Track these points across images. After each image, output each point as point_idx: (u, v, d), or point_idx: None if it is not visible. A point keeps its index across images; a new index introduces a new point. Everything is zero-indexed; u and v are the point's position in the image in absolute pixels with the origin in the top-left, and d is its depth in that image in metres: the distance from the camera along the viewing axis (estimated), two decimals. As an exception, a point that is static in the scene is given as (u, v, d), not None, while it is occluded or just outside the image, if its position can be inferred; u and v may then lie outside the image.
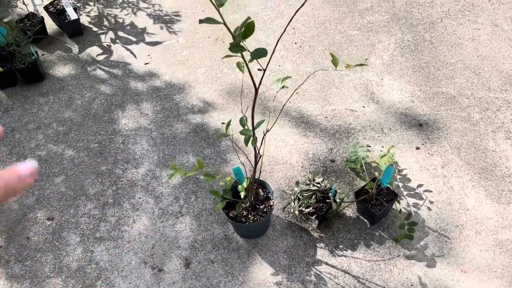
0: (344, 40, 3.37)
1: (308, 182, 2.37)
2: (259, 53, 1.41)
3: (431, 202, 2.42)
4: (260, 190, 2.37)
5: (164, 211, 2.52)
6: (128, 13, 3.82)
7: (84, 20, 3.80)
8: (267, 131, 1.94)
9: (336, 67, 1.69)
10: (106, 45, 3.56)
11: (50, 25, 3.77)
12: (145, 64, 3.38)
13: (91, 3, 3.96)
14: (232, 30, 1.38)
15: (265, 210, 2.28)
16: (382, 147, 2.71)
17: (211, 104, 3.06)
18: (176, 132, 2.91)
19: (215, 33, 3.55)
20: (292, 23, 3.53)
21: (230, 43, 1.38)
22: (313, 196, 2.31)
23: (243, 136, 1.99)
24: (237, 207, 2.15)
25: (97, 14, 3.84)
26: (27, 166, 0.63)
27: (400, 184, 2.50)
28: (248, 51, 1.39)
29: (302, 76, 3.17)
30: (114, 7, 3.91)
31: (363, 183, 2.54)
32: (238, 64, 1.73)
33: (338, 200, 2.32)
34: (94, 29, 3.72)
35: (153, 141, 2.89)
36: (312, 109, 2.97)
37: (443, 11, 3.50)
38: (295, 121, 2.91)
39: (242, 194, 2.19)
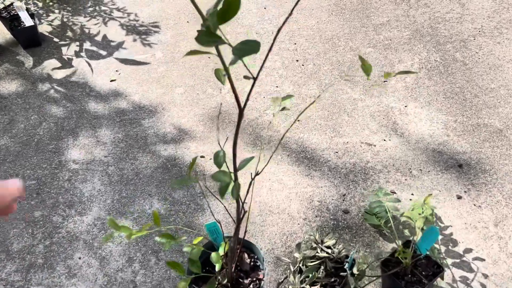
0: (356, 59, 2.74)
1: (314, 245, 1.67)
2: (246, 48, 0.76)
3: (485, 276, 1.72)
4: (245, 256, 1.67)
5: (111, 279, 1.81)
6: (98, 23, 3.20)
7: (45, 29, 3.18)
8: (257, 173, 1.26)
9: (368, 76, 1.03)
10: (67, 58, 2.93)
11: (4, 33, 3.14)
12: (111, 81, 2.73)
13: (56, 11, 3.35)
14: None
15: (251, 287, 1.57)
16: (412, 194, 2.03)
17: (188, 131, 2.40)
18: (140, 168, 2.22)
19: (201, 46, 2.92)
20: (294, 38, 2.92)
21: (198, 31, 0.73)
22: (322, 267, 1.61)
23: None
24: (209, 285, 1.45)
25: (60, 23, 3.22)
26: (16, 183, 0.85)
27: (442, 249, 1.80)
28: (229, 44, 0.74)
29: (305, 100, 2.52)
30: (83, 15, 3.29)
31: (388, 245, 1.84)
32: (216, 72, 1.09)
33: (356, 273, 1.62)
34: (56, 39, 3.09)
35: (109, 179, 2.20)
36: (318, 141, 2.30)
37: (475, 28, 2.90)
38: (295, 156, 2.24)
39: (218, 266, 1.49)
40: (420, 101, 2.46)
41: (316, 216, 1.98)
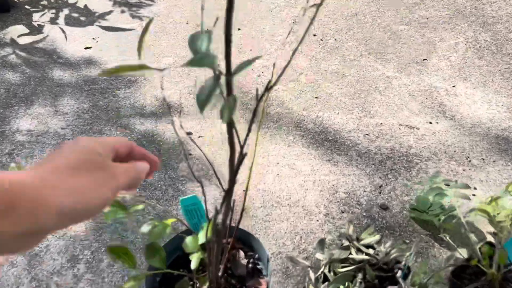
0: (387, 36, 2.24)
1: (347, 243, 1.09)
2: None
3: None
4: (241, 254, 1.09)
5: (41, 285, 1.22)
6: (81, -7, 2.74)
7: (18, -3, 2.71)
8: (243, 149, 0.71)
9: None
10: (37, 24, 2.43)
11: (-31, 0, 2.67)
12: (86, 48, 2.22)
13: (34, -19, 2.90)
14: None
15: (248, 299, 0.99)
16: (475, 188, 1.46)
17: (174, 105, 1.86)
18: (106, 143, 1.66)
19: (197, 19, 2.43)
20: (310, 13, 2.43)
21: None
22: (359, 275, 1.02)
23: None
24: (179, 289, 0.86)
25: (37, -9, 2.76)
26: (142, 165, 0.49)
27: (534, 260, 1.22)
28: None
29: (325, 76, 1.99)
30: (64, -14, 2.83)
31: (443, 252, 1.26)
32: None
33: (414, 287, 1.03)
34: (28, 7, 2.61)
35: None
36: (342, 121, 1.76)
37: (527, 12, 2.41)
38: (313, 137, 1.69)
39: (194, 262, 0.91)
40: (472, 81, 1.93)
41: (342, 212, 1.40)
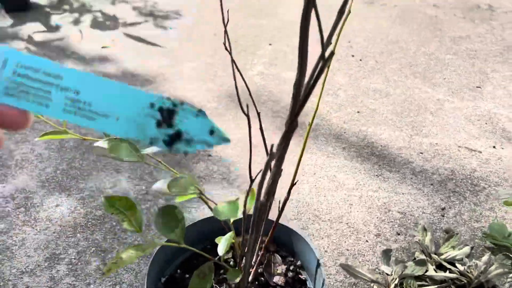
0: (433, 63, 2.03)
1: (422, 257, 0.80)
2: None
3: None
4: (277, 258, 0.80)
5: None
6: (105, 2, 2.61)
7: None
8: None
9: None
10: (56, 24, 2.28)
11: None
12: (102, 47, 2.04)
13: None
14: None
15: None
16: None
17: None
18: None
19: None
20: (347, 35, 2.25)
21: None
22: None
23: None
24: (197, 280, 0.57)
25: (61, -3, 2.64)
26: None
27: None
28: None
29: (366, 92, 1.76)
30: (90, -4, 2.72)
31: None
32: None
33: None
34: (48, 9, 2.48)
35: (59, 143, 1.39)
36: (391, 137, 1.50)
37: None
38: (356, 150, 1.43)
39: (224, 244, 0.63)
40: (536, 111, 1.69)
41: (398, 234, 1.10)
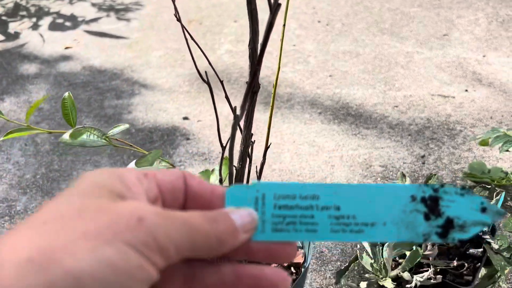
0: (399, 17, 2.04)
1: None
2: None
3: None
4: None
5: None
6: (63, 3, 2.55)
7: (-5, 11, 2.52)
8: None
9: None
10: (14, 32, 2.22)
11: None
12: (66, 48, 2.00)
13: (13, -4, 2.72)
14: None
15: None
16: (539, 151, 1.19)
17: (167, 92, 1.60)
18: (87, 133, 1.39)
19: (188, 15, 2.23)
20: (311, 2, 2.24)
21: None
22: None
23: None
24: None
25: (13, 5, 2.56)
26: (243, 215, 0.24)
27: None
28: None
29: (336, 56, 1.76)
30: (46, -1, 2.65)
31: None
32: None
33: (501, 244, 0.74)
34: (4, 17, 2.41)
35: (35, 148, 1.37)
36: (364, 96, 1.51)
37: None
38: (332, 113, 1.43)
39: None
40: (503, 50, 1.71)
41: (382, 187, 1.12)
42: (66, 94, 0.73)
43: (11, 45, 2.09)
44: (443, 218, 0.24)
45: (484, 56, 1.68)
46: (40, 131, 0.69)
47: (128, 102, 1.56)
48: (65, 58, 1.91)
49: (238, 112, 0.60)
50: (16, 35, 2.18)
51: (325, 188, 0.25)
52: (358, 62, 1.71)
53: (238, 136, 0.69)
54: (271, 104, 0.68)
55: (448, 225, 0.24)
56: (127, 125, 0.60)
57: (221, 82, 0.71)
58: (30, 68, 1.84)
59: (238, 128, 0.64)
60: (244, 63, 1.76)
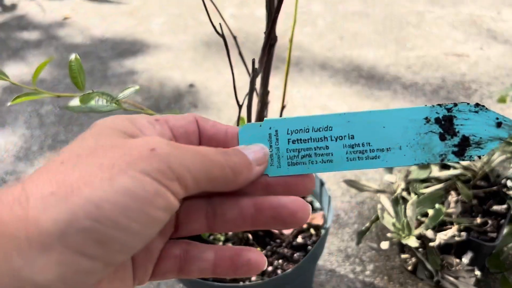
0: (408, -24, 1.96)
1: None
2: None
3: None
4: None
5: None
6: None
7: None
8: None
9: None
10: (10, 4, 2.16)
11: None
12: (64, 19, 1.94)
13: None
14: None
15: (300, 241, 0.68)
16: (560, 107, 1.16)
17: (170, 60, 1.56)
18: (92, 103, 1.36)
19: (190, -20, 2.15)
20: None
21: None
22: (454, 193, 0.71)
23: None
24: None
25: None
26: (255, 150, 0.25)
27: None
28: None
29: (345, 17, 1.70)
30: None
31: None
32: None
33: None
34: (0, -11, 2.34)
35: (40, 120, 1.34)
36: (376, 57, 1.46)
37: None
38: (344, 76, 1.39)
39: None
40: (519, 6, 1.65)
41: (397, 148, 1.09)
42: (73, 56, 0.69)
43: (9, 17, 2.03)
44: (459, 136, 0.24)
45: (498, 13, 1.62)
46: (48, 94, 0.66)
47: (132, 70, 1.52)
48: (65, 28, 1.86)
49: (256, 65, 0.57)
50: (13, 7, 2.12)
51: (338, 117, 0.25)
52: (368, 23, 1.65)
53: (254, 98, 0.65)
54: (287, 59, 0.64)
55: (464, 143, 0.24)
56: (137, 87, 0.57)
57: (235, 38, 0.67)
58: (29, 40, 1.79)
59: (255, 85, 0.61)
60: (249, 27, 1.71)
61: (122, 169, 0.19)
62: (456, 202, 0.72)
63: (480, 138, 0.24)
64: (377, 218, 0.72)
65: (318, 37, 1.60)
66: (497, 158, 0.72)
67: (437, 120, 0.25)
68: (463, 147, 0.25)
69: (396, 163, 0.25)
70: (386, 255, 0.83)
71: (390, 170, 0.81)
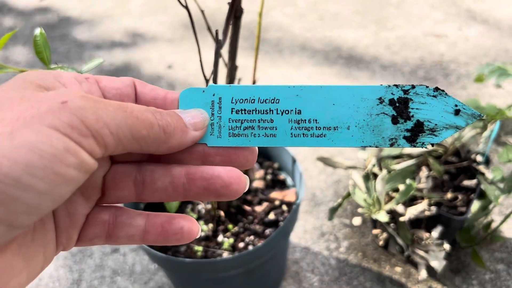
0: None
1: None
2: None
3: None
4: (254, 165, 0.78)
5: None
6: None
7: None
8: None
9: None
10: (-15, -15, 2.10)
11: None
12: (41, 1, 1.89)
13: None
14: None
15: (272, 217, 0.68)
16: (534, 86, 1.17)
17: (149, 40, 1.54)
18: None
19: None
20: None
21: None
22: (425, 169, 0.72)
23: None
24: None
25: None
26: (193, 114, 0.24)
27: None
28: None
29: (326, -2, 1.69)
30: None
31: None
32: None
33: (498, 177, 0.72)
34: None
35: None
36: (356, 37, 1.45)
37: None
38: (323, 56, 1.38)
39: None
40: (498, -14, 1.65)
41: (375, 128, 1.09)
42: (38, 31, 0.67)
43: (-17, -2, 1.98)
44: (413, 121, 0.23)
45: (478, -7, 1.62)
46: (13, 69, 0.64)
47: (109, 53, 1.50)
48: (41, 10, 1.81)
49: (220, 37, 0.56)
50: (-13, -12, 2.06)
51: (287, 90, 0.24)
52: (348, 3, 1.64)
53: (223, 73, 0.65)
54: (257, 32, 0.63)
55: (418, 128, 0.23)
56: (101, 59, 0.55)
57: (202, 12, 0.65)
58: (4, 22, 1.74)
59: (221, 58, 0.60)
60: (222, 4, 1.69)
61: (27, 122, 0.17)
62: (427, 177, 0.73)
63: (436, 125, 0.23)
64: (349, 194, 0.73)
65: (299, 17, 1.59)
66: (468, 133, 0.73)
67: (392, 102, 0.23)
68: (416, 132, 0.23)
69: (342, 144, 0.24)
70: (361, 232, 0.84)
71: (363, 147, 0.81)
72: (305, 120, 0.24)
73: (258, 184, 0.74)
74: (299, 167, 0.69)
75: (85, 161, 0.18)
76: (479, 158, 0.72)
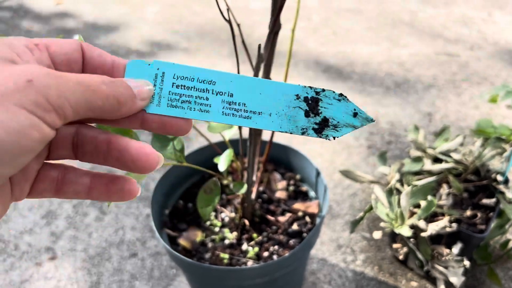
0: (402, -25, 1.98)
1: (417, 154, 0.80)
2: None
3: None
4: (275, 176, 0.79)
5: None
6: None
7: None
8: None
9: None
10: (1, -13, 2.12)
11: None
12: (57, 4, 1.92)
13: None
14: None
15: (295, 228, 0.69)
16: (546, 108, 1.19)
17: (166, 48, 1.55)
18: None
19: (185, -30, 2.14)
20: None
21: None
22: (445, 186, 0.73)
23: None
24: (201, 207, 0.56)
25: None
26: (140, 84, 0.26)
27: None
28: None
29: (338, 13, 1.72)
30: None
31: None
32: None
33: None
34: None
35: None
36: (369, 53, 1.48)
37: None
38: (336, 71, 1.40)
39: (224, 161, 0.60)
40: (509, 9, 1.68)
41: (389, 143, 1.11)
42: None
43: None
44: (321, 117, 0.27)
45: (489, 14, 1.66)
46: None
47: (124, 58, 1.51)
48: (57, 14, 1.84)
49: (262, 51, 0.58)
50: (3, -10, 2.09)
51: (223, 75, 0.27)
52: (361, 19, 1.67)
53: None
54: (289, 47, 0.65)
55: (324, 123, 0.27)
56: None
57: (238, 25, 0.67)
58: (21, 26, 1.76)
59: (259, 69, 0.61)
60: (242, 19, 1.71)
61: None
62: (448, 194, 0.74)
63: (338, 122, 0.27)
64: (371, 208, 0.74)
65: (313, 31, 1.61)
66: (488, 153, 0.74)
67: (306, 99, 0.27)
68: (323, 126, 0.27)
69: (264, 127, 0.27)
70: (377, 246, 0.85)
71: (384, 162, 0.82)
72: (235, 102, 0.27)
73: (280, 194, 0.75)
74: (323, 180, 0.70)
75: (46, 134, 0.20)
76: (499, 177, 0.74)
